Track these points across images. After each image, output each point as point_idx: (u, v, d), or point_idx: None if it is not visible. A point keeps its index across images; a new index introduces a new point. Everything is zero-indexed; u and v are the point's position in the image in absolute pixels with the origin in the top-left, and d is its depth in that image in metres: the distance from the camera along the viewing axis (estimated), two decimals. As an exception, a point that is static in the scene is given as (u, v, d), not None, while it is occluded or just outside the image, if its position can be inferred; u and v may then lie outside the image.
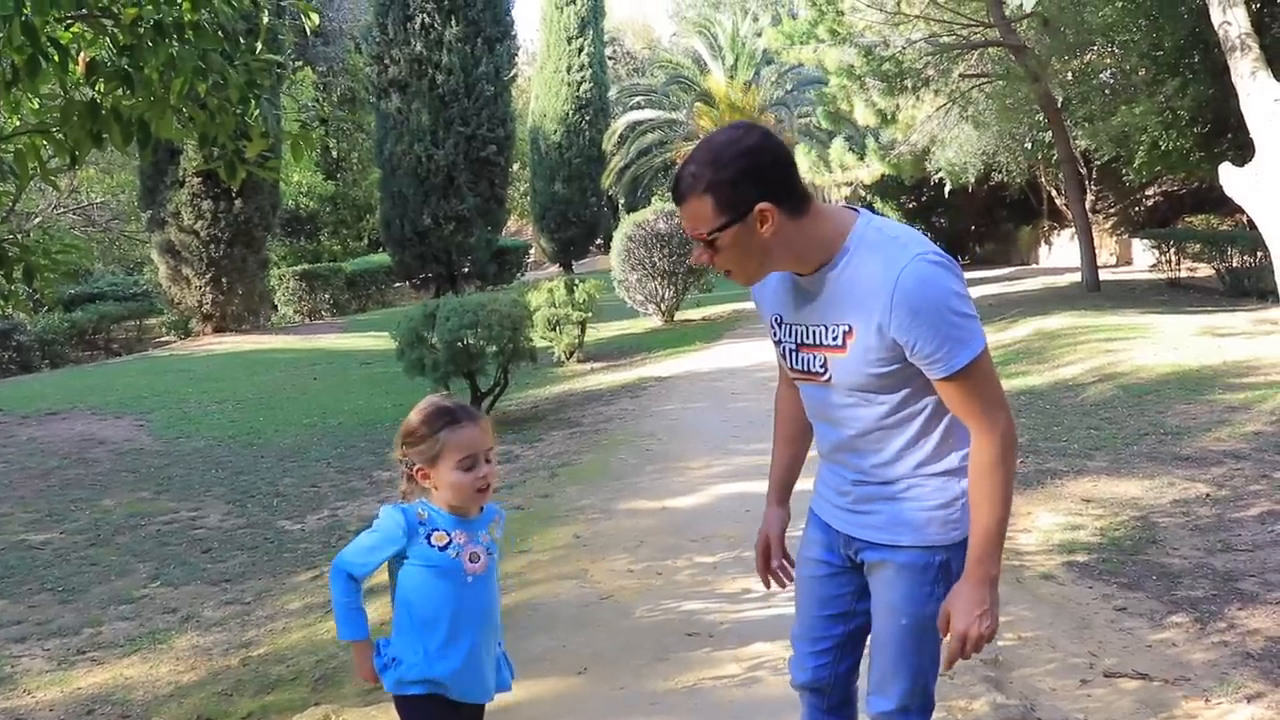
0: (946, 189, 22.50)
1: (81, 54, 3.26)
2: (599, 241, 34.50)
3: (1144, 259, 20.02)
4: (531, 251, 36.00)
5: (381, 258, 28.34)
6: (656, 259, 16.46)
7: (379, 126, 24.79)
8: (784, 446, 2.33)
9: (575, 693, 3.37)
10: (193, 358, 16.87)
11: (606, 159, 30.45)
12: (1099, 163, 18.60)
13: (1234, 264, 14.95)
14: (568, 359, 13.44)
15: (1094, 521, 4.97)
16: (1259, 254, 13.12)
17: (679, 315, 17.69)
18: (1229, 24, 7.95)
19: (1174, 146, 12.83)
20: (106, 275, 28.14)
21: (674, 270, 16.67)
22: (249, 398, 12.19)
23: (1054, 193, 24.09)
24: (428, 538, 2.12)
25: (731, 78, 29.93)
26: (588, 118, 31.84)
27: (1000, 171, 22.03)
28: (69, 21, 3.26)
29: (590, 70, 32.11)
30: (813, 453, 2.25)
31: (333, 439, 9.47)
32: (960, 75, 17.24)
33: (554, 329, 13.03)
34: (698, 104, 29.81)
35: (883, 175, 21.80)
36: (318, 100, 31.41)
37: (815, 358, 1.97)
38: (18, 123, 3.72)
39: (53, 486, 8.02)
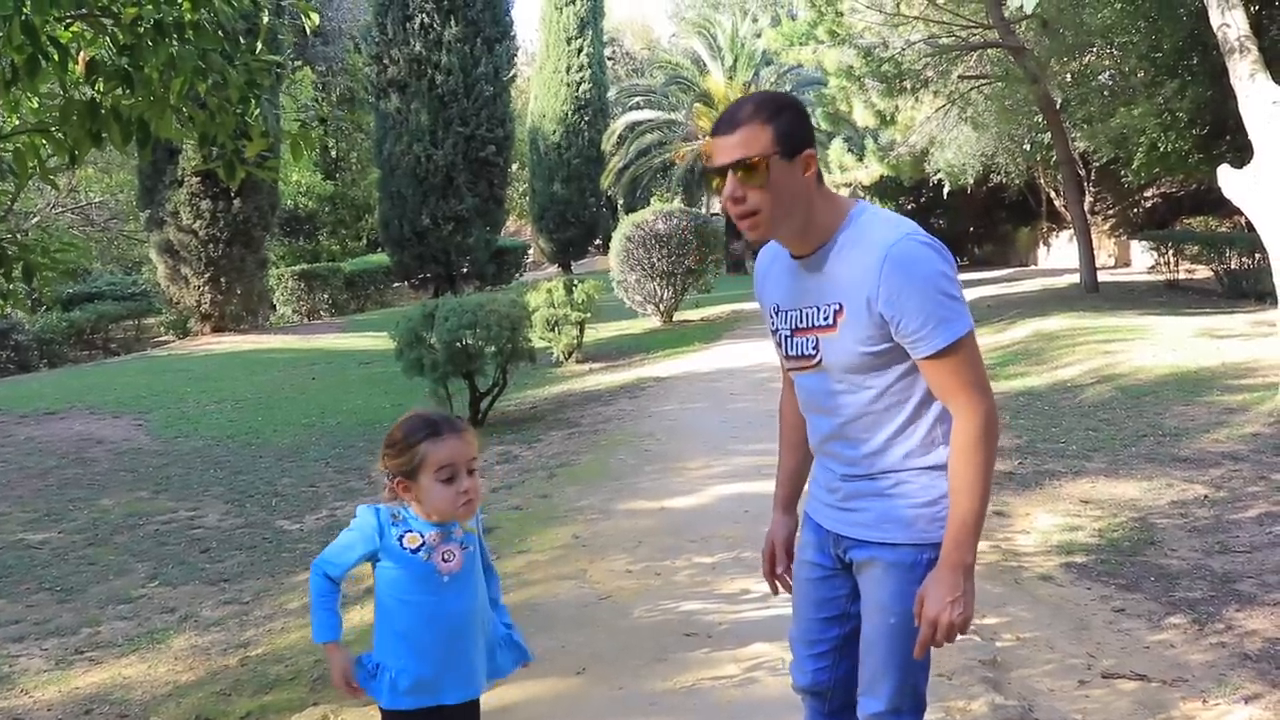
0: (945, 190, 22.55)
1: (81, 53, 3.26)
2: (598, 242, 34.52)
3: (1142, 260, 20.04)
4: (530, 252, 36.02)
5: (380, 258, 28.34)
6: (655, 259, 16.46)
7: (378, 126, 24.79)
8: (789, 454, 2.34)
9: (574, 693, 3.38)
10: (191, 357, 16.86)
11: (605, 159, 30.45)
12: (1098, 164, 18.63)
13: (1232, 266, 14.97)
14: (566, 359, 13.44)
15: (1092, 523, 4.98)
16: (1257, 256, 13.13)
17: (678, 316, 17.69)
18: (1227, 26, 7.95)
19: (1173, 148, 12.84)
20: (105, 275, 28.13)
21: (673, 271, 16.67)
22: (247, 397, 12.18)
23: (1053, 194, 24.11)
24: (400, 539, 2.10)
25: (731, 78, 29.93)
26: (587, 118, 31.86)
27: (999, 173, 22.06)
28: (69, 21, 3.26)
29: (589, 71, 32.13)
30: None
31: (331, 439, 9.47)
32: (959, 76, 17.27)
33: (553, 329, 13.03)
34: (697, 105, 29.79)
35: (882, 176, 21.87)
36: (317, 100, 31.44)
37: (808, 340, 2.00)
38: (17, 122, 3.72)
39: (51, 486, 8.02)
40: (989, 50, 16.87)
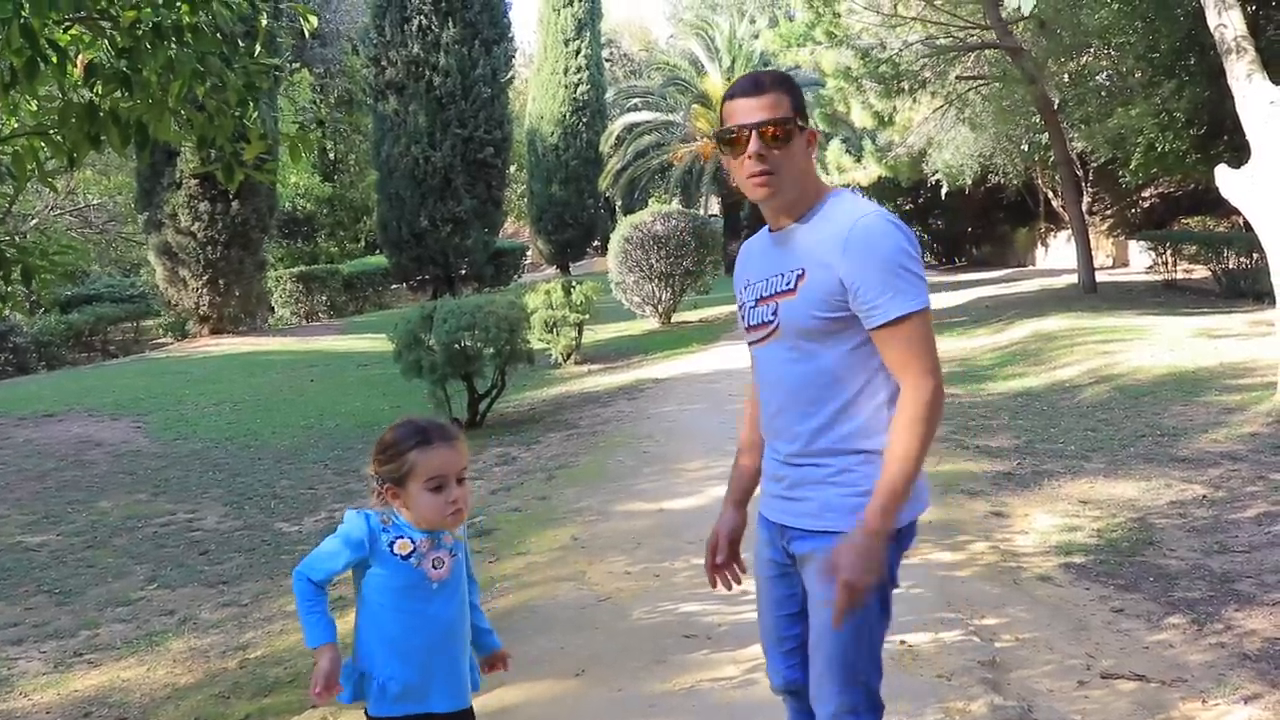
0: (943, 191, 22.55)
1: (80, 56, 3.26)
2: (596, 243, 34.51)
3: (1140, 261, 20.05)
4: (529, 253, 36.01)
5: (379, 260, 28.34)
6: (654, 261, 16.47)
7: (376, 128, 24.78)
8: (747, 455, 2.36)
9: (573, 694, 3.37)
10: (190, 360, 16.85)
11: (604, 161, 30.44)
12: (1095, 164, 18.65)
13: (1230, 266, 14.98)
14: (565, 361, 13.45)
15: (1091, 523, 4.98)
16: (1255, 256, 13.14)
17: (676, 317, 17.70)
18: (1225, 26, 7.96)
19: (1170, 148, 12.84)
20: (103, 277, 28.11)
21: (671, 272, 16.67)
22: (246, 399, 12.17)
23: (1051, 194, 24.13)
24: (390, 545, 2.07)
25: (729, 80, 29.91)
26: (585, 120, 31.85)
27: (997, 173, 22.07)
28: (67, 24, 3.27)
29: (587, 72, 32.12)
30: None
31: (330, 441, 9.47)
32: (957, 77, 17.27)
33: (551, 331, 13.03)
34: (695, 106, 29.81)
35: (880, 177, 21.85)
36: (315, 102, 31.44)
37: (768, 308, 2.07)
38: (16, 125, 3.72)
39: (49, 488, 8.01)
40: (986, 51, 16.88)
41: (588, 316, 13.34)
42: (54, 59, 2.98)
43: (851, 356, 1.99)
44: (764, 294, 2.08)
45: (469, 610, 2.22)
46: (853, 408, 2.00)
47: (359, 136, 33.64)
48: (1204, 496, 5.22)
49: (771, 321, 2.06)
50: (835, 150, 22.07)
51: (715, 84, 29.97)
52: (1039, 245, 27.70)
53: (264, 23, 3.53)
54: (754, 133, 1.96)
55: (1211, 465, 5.78)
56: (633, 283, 16.83)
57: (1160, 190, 22.20)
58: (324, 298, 26.74)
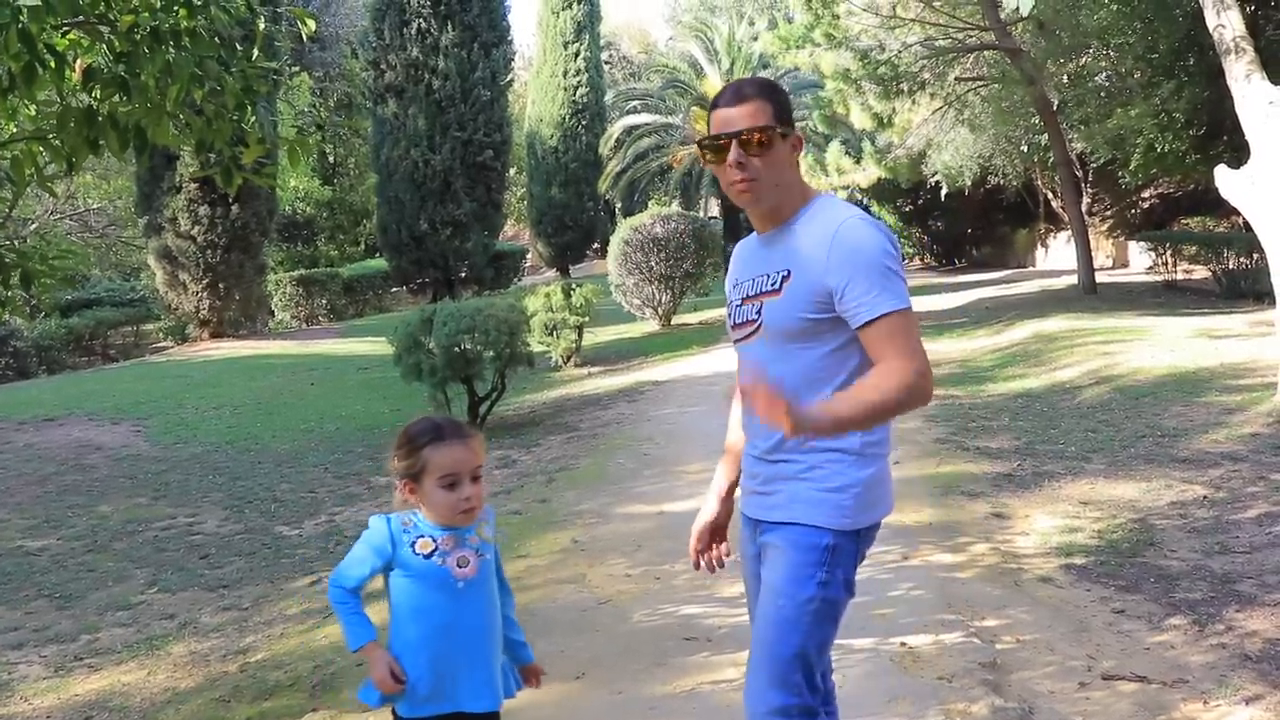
0: (943, 192, 22.55)
1: (78, 61, 3.26)
2: (596, 246, 34.50)
3: (1140, 261, 20.04)
4: (528, 256, 36.00)
5: (378, 263, 28.33)
6: (653, 263, 16.46)
7: (375, 131, 24.78)
8: (730, 454, 2.41)
9: (573, 697, 3.37)
10: (190, 363, 16.85)
11: (603, 163, 30.42)
12: (1095, 165, 18.63)
13: (1230, 266, 14.97)
14: (565, 363, 13.44)
15: (1092, 524, 4.97)
16: (1255, 256, 13.13)
17: (676, 319, 17.69)
18: (1224, 27, 7.96)
19: (1170, 149, 12.84)
20: (103, 281, 28.08)
21: (671, 274, 16.67)
22: (246, 403, 12.17)
23: (1050, 195, 24.12)
24: (412, 545, 2.10)
25: (728, 82, 29.88)
26: (584, 122, 31.84)
27: (997, 174, 22.06)
28: (65, 28, 3.27)
29: (586, 75, 32.11)
30: None
31: (330, 444, 9.47)
32: (956, 78, 17.27)
33: (551, 333, 13.03)
34: (694, 108, 29.78)
35: (879, 179, 21.84)
36: (314, 106, 31.44)
37: (752, 307, 2.12)
38: (14, 129, 3.72)
39: (49, 492, 8.01)
40: (986, 52, 16.88)
41: (588, 319, 13.34)
42: (52, 63, 2.99)
43: (831, 358, 2.04)
44: (749, 293, 2.14)
45: (499, 616, 2.23)
46: None
47: (358, 140, 33.63)
48: (1205, 497, 5.22)
49: (755, 320, 2.11)
50: (835, 152, 22.05)
51: (714, 86, 29.93)
52: (1039, 246, 27.68)
53: (261, 27, 3.53)
54: (735, 141, 2.02)
55: (1212, 466, 5.78)
56: (633, 285, 16.83)
57: (1160, 191, 22.19)
58: (324, 301, 26.74)
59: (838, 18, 15.86)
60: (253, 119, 3.46)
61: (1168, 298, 15.31)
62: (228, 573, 5.75)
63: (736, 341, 2.21)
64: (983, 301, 17.60)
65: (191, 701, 3.87)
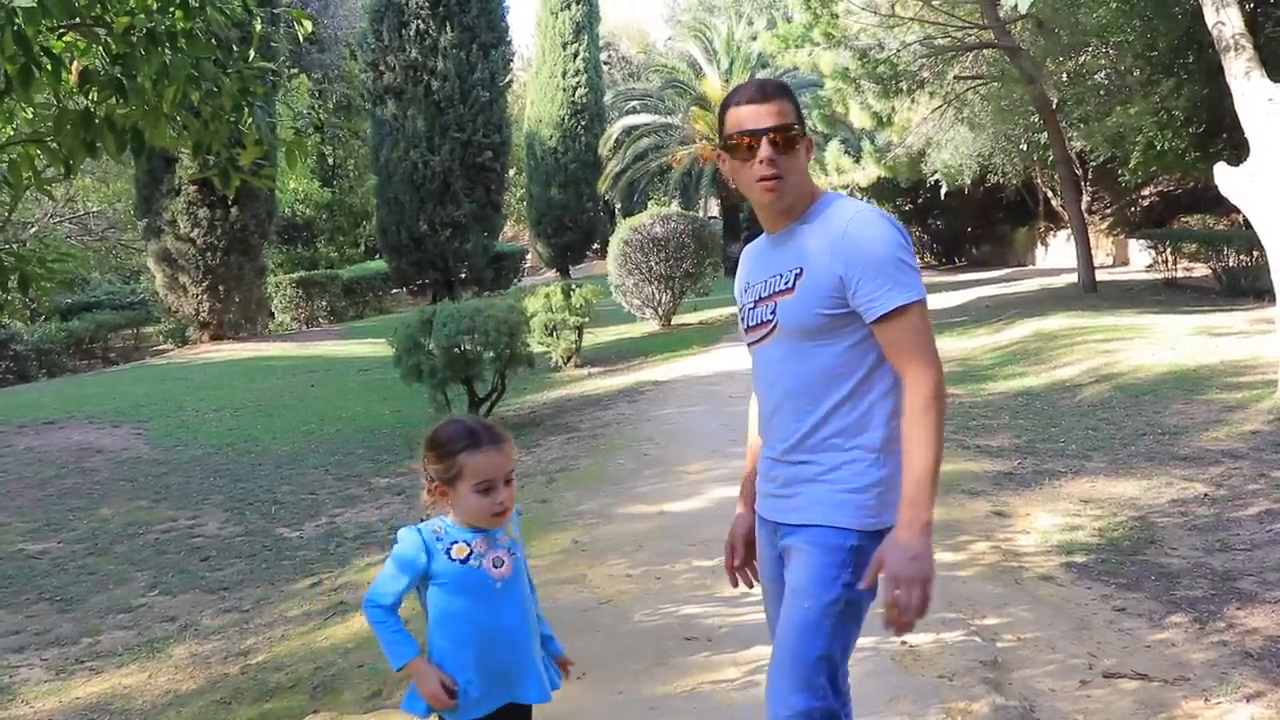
0: (943, 191, 22.55)
1: (74, 63, 3.26)
2: (596, 246, 34.50)
3: (1140, 259, 20.03)
4: (528, 257, 36.00)
5: (378, 264, 28.34)
6: (653, 263, 16.46)
7: (375, 133, 24.79)
8: (753, 458, 2.39)
9: (574, 697, 3.36)
10: (190, 366, 16.85)
11: (602, 164, 30.44)
12: (1095, 163, 18.61)
13: (1230, 264, 14.96)
14: (565, 364, 13.44)
15: (1092, 522, 4.97)
16: (1255, 253, 13.13)
17: (676, 319, 17.69)
18: (1223, 24, 7.95)
19: (1169, 147, 12.83)
20: (103, 284, 28.09)
21: (671, 274, 16.67)
22: (247, 405, 12.17)
23: (1050, 194, 24.11)
24: (447, 552, 2.09)
25: (727, 81, 29.93)
26: (583, 123, 31.84)
27: (996, 173, 22.06)
28: (62, 31, 3.27)
29: (585, 75, 32.11)
30: None
31: (331, 446, 9.46)
32: (955, 77, 17.27)
33: (551, 334, 13.03)
34: (693, 108, 29.81)
35: (879, 178, 21.89)
36: (313, 107, 31.43)
37: (766, 308, 2.11)
38: (11, 132, 3.71)
39: (50, 496, 8.01)
40: (985, 51, 16.88)
41: (587, 319, 13.34)
42: (48, 66, 2.99)
43: (848, 354, 2.03)
44: (763, 294, 2.13)
45: (534, 607, 2.24)
46: (848, 404, 2.04)
47: (358, 141, 33.63)
48: (1205, 495, 5.21)
49: (770, 320, 2.10)
50: (834, 151, 22.08)
51: (713, 86, 29.97)
52: (1038, 244, 27.68)
53: (258, 28, 3.53)
54: (764, 139, 2.00)
55: (1213, 463, 5.77)
56: (632, 285, 16.83)
57: (1160, 189, 22.18)
58: (324, 303, 26.74)
59: (836, 17, 15.86)
60: (250, 120, 3.46)
61: (1168, 295, 15.31)
62: (228, 575, 5.75)
63: (752, 344, 2.19)
64: (983, 300, 17.59)
65: (192, 704, 3.87)
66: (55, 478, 8.61)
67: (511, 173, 32.16)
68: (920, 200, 27.80)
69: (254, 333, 21.36)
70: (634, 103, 32.97)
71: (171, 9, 3.14)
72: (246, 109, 3.37)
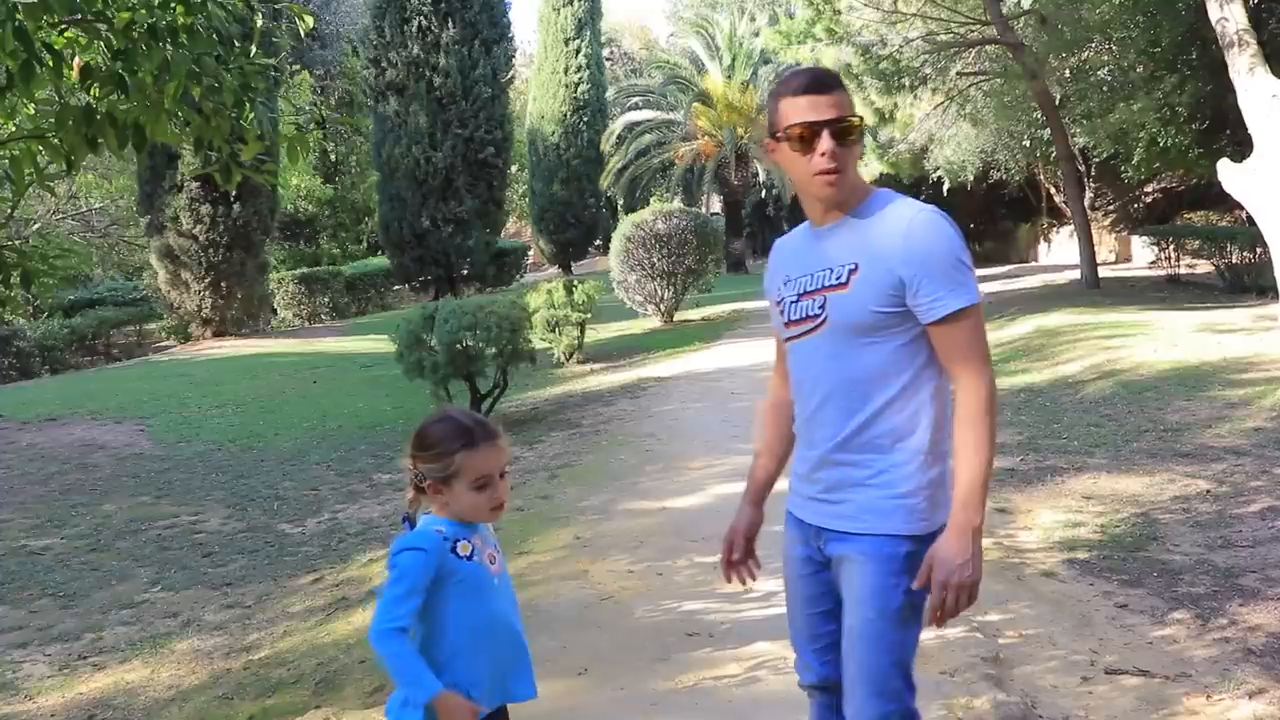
0: (945, 187, 22.52)
1: (76, 59, 3.26)
2: (598, 243, 34.48)
3: (1143, 256, 20.02)
4: (530, 253, 36.00)
5: (380, 261, 28.35)
6: (655, 260, 16.45)
7: (377, 129, 24.78)
8: (766, 459, 2.36)
9: (575, 693, 3.37)
10: (192, 362, 16.87)
11: (605, 160, 30.43)
12: (1097, 160, 18.62)
13: (1233, 260, 14.94)
14: (567, 360, 13.44)
15: (1094, 519, 4.97)
16: (1258, 250, 13.11)
17: (678, 316, 17.68)
18: (1226, 20, 7.95)
19: (1172, 143, 12.83)
20: (106, 280, 28.15)
21: (673, 271, 16.65)
22: (249, 402, 12.18)
23: (1053, 190, 24.10)
24: (454, 550, 2.05)
25: (729, 78, 29.92)
26: (585, 119, 31.81)
27: (999, 169, 22.05)
28: (63, 26, 3.26)
29: (588, 71, 32.08)
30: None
31: (333, 442, 9.47)
32: (958, 73, 17.26)
33: (553, 330, 13.03)
34: (695, 104, 29.78)
35: (881, 174, 21.81)
36: (315, 104, 31.42)
37: (814, 301, 2.05)
38: (13, 128, 3.72)
39: (53, 492, 8.02)
40: (987, 47, 16.86)
41: (590, 315, 13.33)
42: (50, 62, 2.98)
43: (899, 353, 2.00)
44: (809, 288, 2.07)
45: None
46: (896, 404, 2.01)
47: (360, 138, 33.60)
48: (1208, 491, 5.21)
49: (819, 315, 2.05)
50: (837, 148, 21.97)
51: (715, 82, 29.95)
52: (1041, 241, 27.67)
53: (259, 23, 3.52)
54: (825, 131, 1.95)
55: (1215, 460, 5.77)
56: (635, 281, 16.82)
57: (1163, 185, 22.16)
58: (326, 299, 26.75)
59: (839, 13, 15.85)
60: (251, 116, 3.45)
61: (1170, 292, 15.29)
62: (231, 571, 5.76)
63: (790, 339, 2.14)
64: (986, 297, 17.53)
65: (195, 699, 3.88)
66: (58, 474, 8.62)
67: (514, 169, 32.17)
68: (922, 197, 26.99)
69: (256, 329, 21.36)
70: (636, 99, 32.96)
71: (173, 4, 3.14)
72: (248, 105, 3.36)
